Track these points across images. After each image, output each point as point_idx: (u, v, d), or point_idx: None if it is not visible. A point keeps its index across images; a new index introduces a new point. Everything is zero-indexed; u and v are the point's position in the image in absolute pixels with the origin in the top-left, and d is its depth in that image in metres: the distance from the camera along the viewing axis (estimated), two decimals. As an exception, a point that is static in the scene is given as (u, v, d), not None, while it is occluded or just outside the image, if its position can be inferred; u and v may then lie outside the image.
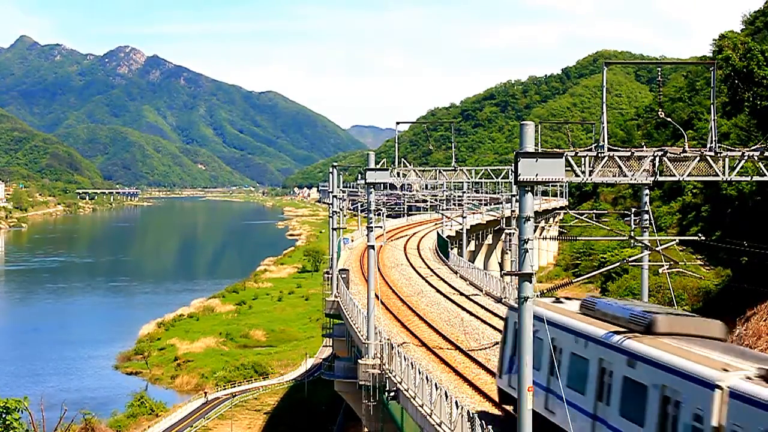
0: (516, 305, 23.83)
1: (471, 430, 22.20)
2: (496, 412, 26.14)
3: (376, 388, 34.61)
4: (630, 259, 28.97)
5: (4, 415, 34.62)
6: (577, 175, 23.91)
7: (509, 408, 24.20)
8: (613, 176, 24.54)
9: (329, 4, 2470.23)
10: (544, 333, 20.74)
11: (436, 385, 26.48)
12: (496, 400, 25.66)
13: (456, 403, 24.31)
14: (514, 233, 55.52)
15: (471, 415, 22.50)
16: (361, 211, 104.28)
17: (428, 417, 26.26)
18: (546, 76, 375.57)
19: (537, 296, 18.70)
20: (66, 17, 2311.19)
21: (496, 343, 32.68)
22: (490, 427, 21.40)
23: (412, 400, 28.59)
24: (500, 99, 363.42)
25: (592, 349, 18.62)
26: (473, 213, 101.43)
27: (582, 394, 19.04)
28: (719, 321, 18.74)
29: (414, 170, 45.32)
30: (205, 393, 75.00)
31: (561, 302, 22.46)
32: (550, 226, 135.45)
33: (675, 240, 29.48)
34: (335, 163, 61.63)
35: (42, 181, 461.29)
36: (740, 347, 17.77)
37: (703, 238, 29.08)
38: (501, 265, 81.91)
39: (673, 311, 19.62)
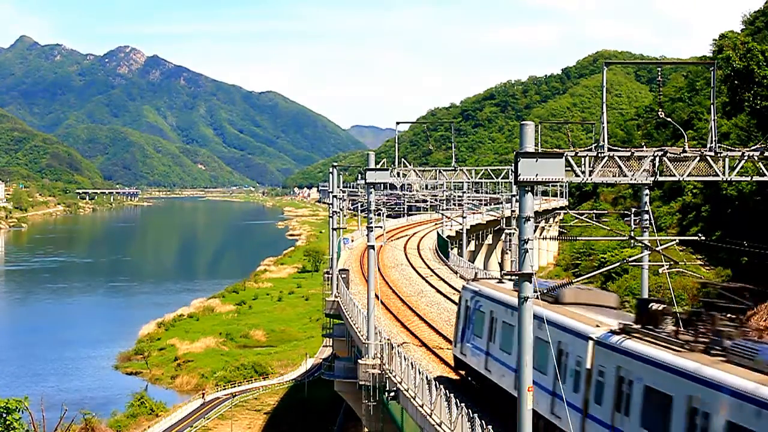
0: (468, 285, 29.54)
1: (471, 430, 22.22)
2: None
3: (376, 388, 34.63)
4: (630, 259, 28.99)
5: (4, 416, 34.64)
6: (577, 175, 23.90)
7: (462, 373, 29.66)
8: (613, 176, 24.52)
9: (329, 4, 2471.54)
10: (485, 307, 26.55)
11: (436, 385, 26.48)
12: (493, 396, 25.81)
13: (456, 403, 24.33)
14: (514, 233, 55.54)
15: (471, 416, 22.53)
16: (361, 211, 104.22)
17: (428, 417, 26.27)
18: (546, 76, 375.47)
19: (537, 296, 18.90)
20: (66, 17, 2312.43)
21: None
22: (490, 427, 21.45)
23: (412, 400, 28.59)
24: (500, 99, 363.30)
25: (516, 317, 21.07)
26: (473, 213, 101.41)
27: (509, 354, 23.64)
28: (615, 294, 24.95)
29: (414, 170, 45.30)
30: (203, 394, 74.74)
31: (502, 282, 28.25)
32: (550, 226, 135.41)
33: (675, 240, 29.49)
34: (335, 163, 61.62)
35: (42, 181, 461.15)
36: (623, 312, 22.25)
37: (703, 238, 29.08)
38: (501, 265, 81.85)
39: (581, 287, 23.77)
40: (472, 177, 53.32)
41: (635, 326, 18.21)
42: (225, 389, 78.07)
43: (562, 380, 20.11)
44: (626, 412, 17.42)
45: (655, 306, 18.41)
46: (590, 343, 18.98)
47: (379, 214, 77.46)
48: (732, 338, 15.72)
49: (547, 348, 20.77)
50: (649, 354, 16.85)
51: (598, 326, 19.30)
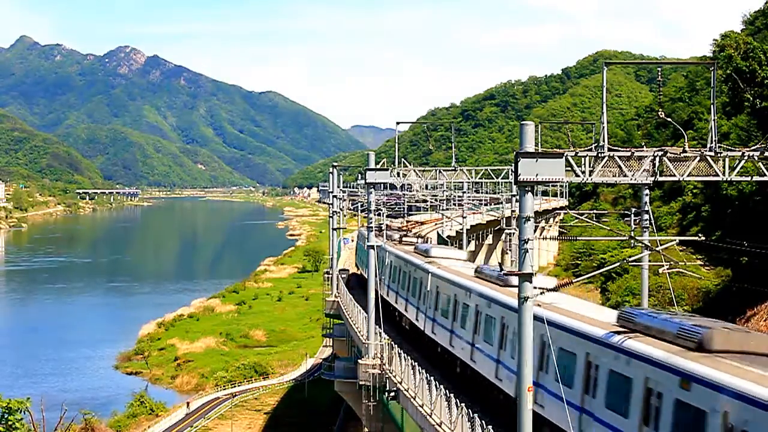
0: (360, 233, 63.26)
1: (471, 430, 22.21)
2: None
3: (376, 388, 34.63)
4: (630, 259, 28.93)
5: (6, 416, 34.66)
6: (577, 175, 23.90)
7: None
8: (613, 176, 24.51)
9: (329, 4, 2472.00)
10: (388, 256, 44.95)
11: (436, 385, 26.49)
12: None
13: (456, 403, 24.33)
14: (514, 233, 55.50)
15: (471, 416, 22.52)
16: (361, 211, 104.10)
17: (428, 417, 26.27)
18: (546, 76, 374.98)
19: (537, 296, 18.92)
20: (66, 17, 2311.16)
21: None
22: (490, 427, 21.44)
23: (412, 400, 28.60)
24: (500, 99, 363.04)
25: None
26: (473, 213, 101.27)
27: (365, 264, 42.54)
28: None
29: (414, 170, 45.30)
30: (188, 403, 72.69)
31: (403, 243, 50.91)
32: (550, 226, 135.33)
33: (675, 240, 29.41)
34: (335, 163, 61.65)
35: (42, 181, 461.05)
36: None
37: (703, 238, 29.06)
38: (501, 266, 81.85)
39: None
40: (472, 177, 53.34)
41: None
42: (225, 389, 77.97)
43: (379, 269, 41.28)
44: (390, 275, 42.88)
45: (400, 233, 57.25)
46: (388, 253, 44.82)
47: (379, 214, 77.39)
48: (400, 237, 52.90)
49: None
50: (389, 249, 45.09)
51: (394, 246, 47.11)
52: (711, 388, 14.51)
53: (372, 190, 35.46)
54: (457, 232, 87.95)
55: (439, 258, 37.43)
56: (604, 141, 24.11)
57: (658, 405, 16.02)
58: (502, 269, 29.93)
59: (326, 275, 61.61)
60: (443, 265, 35.18)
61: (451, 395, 24.97)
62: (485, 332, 26.82)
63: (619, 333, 18.20)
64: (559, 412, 19.51)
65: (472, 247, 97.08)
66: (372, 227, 35.45)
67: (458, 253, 41.41)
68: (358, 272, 65.81)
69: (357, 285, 59.38)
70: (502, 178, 65.67)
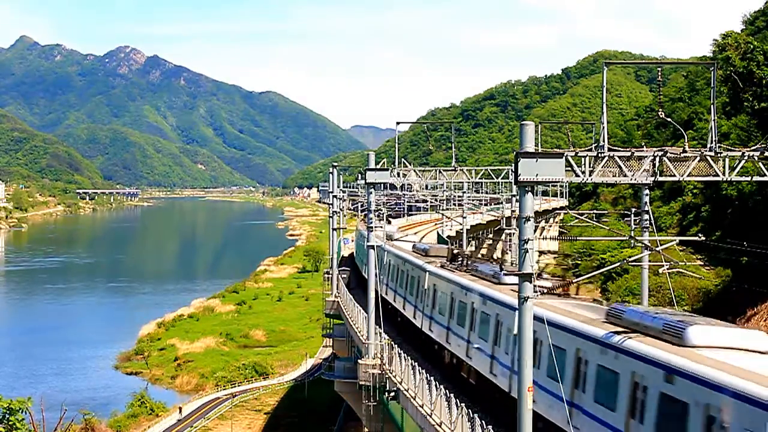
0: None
1: (471, 430, 22.21)
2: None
3: (376, 388, 34.63)
4: (630, 260, 28.94)
5: (7, 416, 34.64)
6: (577, 175, 23.91)
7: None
8: (613, 176, 24.53)
9: (329, 4, 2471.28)
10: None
11: (436, 385, 26.49)
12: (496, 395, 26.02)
13: (456, 403, 24.33)
14: (514, 233, 55.55)
15: (471, 416, 22.52)
16: (361, 212, 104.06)
17: (428, 417, 26.27)
18: (546, 76, 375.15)
19: (537, 296, 18.81)
20: (66, 17, 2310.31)
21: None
22: (490, 427, 21.45)
23: (412, 400, 28.59)
24: (500, 99, 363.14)
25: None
26: (473, 213, 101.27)
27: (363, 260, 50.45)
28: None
29: (414, 170, 45.30)
30: (180, 409, 71.55)
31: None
32: (550, 226, 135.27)
33: (675, 240, 29.43)
34: (335, 163, 61.67)
35: (42, 181, 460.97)
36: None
37: (703, 238, 29.06)
38: (501, 266, 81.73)
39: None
40: (472, 177, 53.31)
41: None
42: (225, 389, 77.97)
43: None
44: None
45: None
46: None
47: (379, 214, 77.35)
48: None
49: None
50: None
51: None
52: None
53: (372, 190, 35.46)
54: (457, 232, 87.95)
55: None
56: (604, 141, 24.12)
57: (411, 276, 38.53)
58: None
59: (326, 275, 61.61)
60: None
61: (451, 395, 24.97)
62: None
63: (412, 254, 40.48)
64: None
65: (472, 247, 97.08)
66: (372, 227, 35.45)
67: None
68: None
69: (357, 285, 59.30)
70: (502, 178, 65.61)
